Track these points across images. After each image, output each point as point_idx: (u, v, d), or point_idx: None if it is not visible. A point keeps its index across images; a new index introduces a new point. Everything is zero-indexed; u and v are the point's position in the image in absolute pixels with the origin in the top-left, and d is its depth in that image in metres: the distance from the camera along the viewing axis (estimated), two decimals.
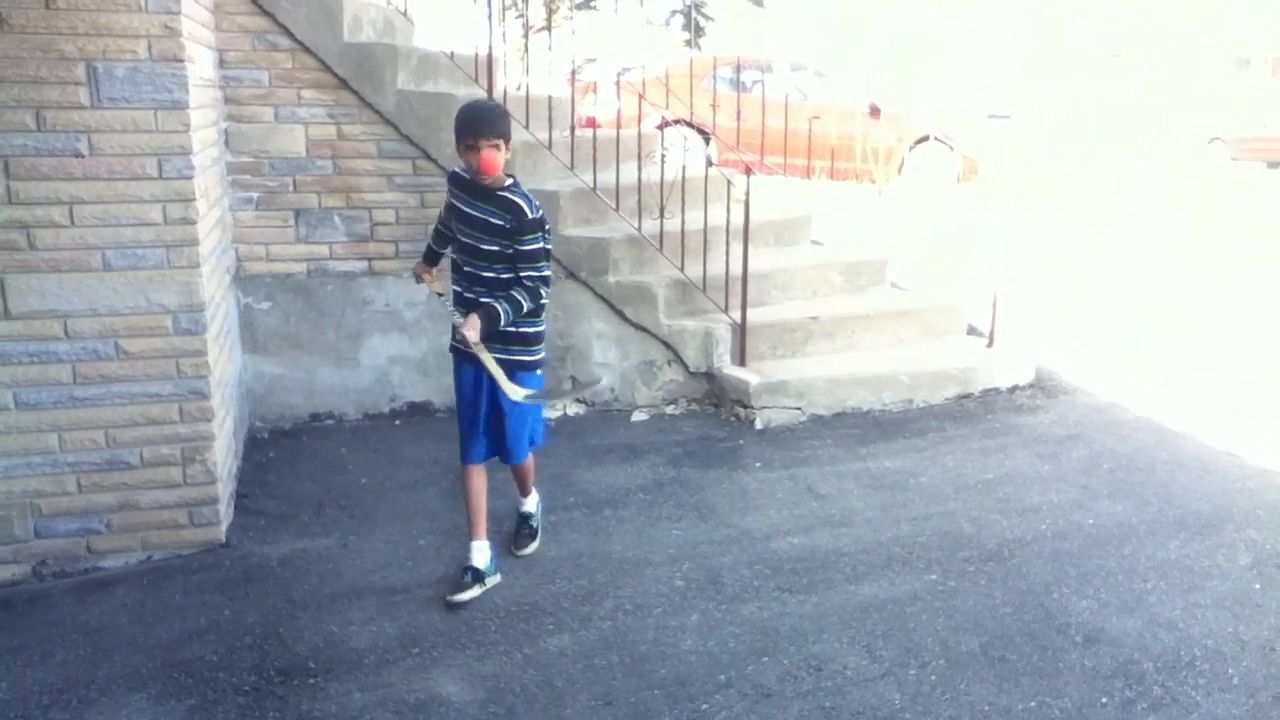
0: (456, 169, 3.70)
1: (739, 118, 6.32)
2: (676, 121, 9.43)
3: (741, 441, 5.14)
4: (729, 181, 5.75)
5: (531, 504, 4.09)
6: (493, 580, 3.76)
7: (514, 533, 4.05)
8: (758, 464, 4.86)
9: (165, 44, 3.59)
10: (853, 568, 3.87)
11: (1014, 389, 5.86)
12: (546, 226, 3.62)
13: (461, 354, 3.70)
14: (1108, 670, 3.22)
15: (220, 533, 4.02)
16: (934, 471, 4.77)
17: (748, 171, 5.56)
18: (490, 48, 5.41)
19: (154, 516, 3.90)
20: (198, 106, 3.88)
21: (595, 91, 9.65)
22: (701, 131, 9.83)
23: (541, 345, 3.76)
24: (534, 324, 3.69)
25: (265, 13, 4.81)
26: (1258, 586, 3.74)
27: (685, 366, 5.58)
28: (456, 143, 3.54)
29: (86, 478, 3.80)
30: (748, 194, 5.49)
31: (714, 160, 7.96)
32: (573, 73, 6.28)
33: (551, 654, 3.31)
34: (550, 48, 5.86)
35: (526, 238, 3.54)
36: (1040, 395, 5.82)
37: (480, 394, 3.70)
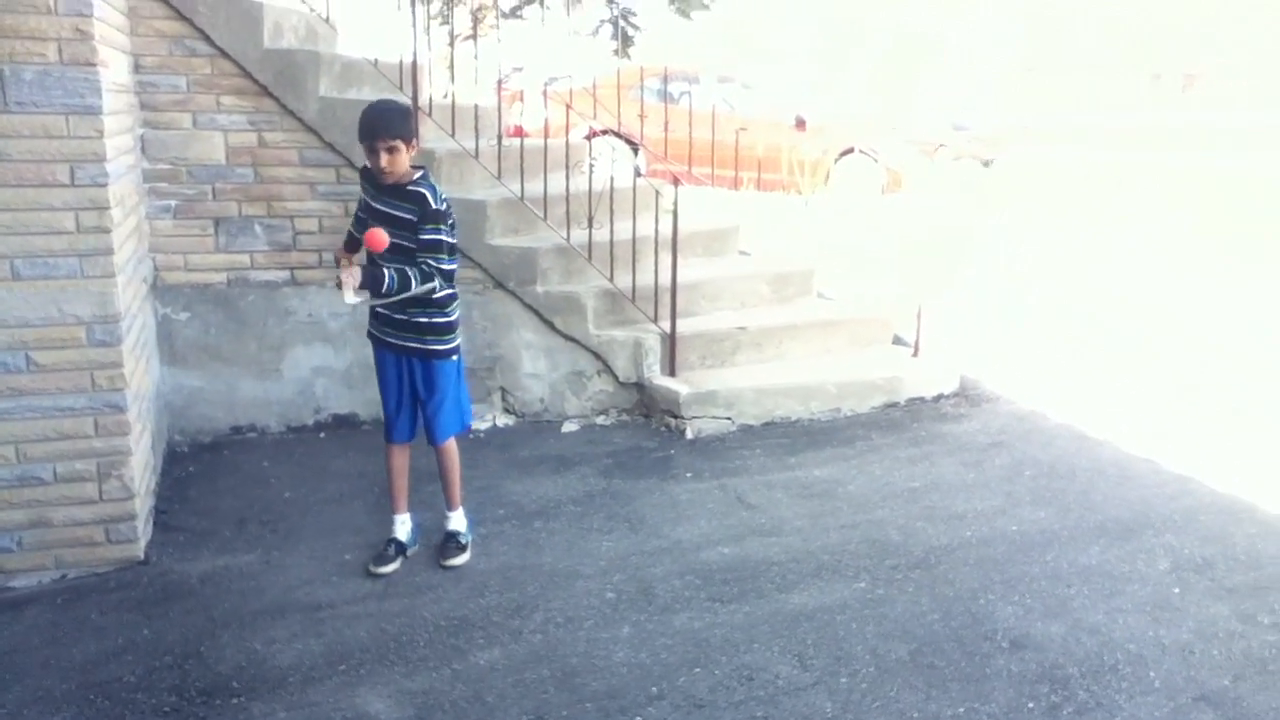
0: (367, 163, 3.73)
1: (666, 128, 6.33)
2: (604, 132, 9.44)
3: (672, 452, 5.14)
4: (657, 192, 5.75)
5: (458, 522, 4.05)
6: (413, 551, 4.00)
7: (441, 545, 4.00)
8: (688, 474, 4.86)
9: (76, 47, 3.49)
10: (783, 577, 3.89)
11: (939, 398, 5.95)
12: (450, 220, 3.76)
13: (379, 340, 3.89)
14: (1033, 675, 3.26)
15: (138, 550, 3.91)
16: (862, 480, 4.81)
17: (676, 182, 5.56)
18: (415, 55, 5.35)
19: (68, 534, 3.78)
20: (112, 112, 3.78)
21: (522, 100, 9.62)
22: (629, 142, 9.84)
23: (454, 335, 3.89)
24: (444, 314, 3.83)
25: (183, 17, 4.71)
26: (1176, 591, 3.83)
27: (615, 377, 5.56)
28: (359, 142, 3.67)
29: None
30: (676, 204, 5.49)
31: (642, 171, 7.97)
32: (499, 82, 6.25)
33: (482, 669, 3.27)
34: (477, 56, 5.83)
35: (428, 227, 3.66)
36: (964, 404, 5.91)
37: (402, 374, 3.88)
